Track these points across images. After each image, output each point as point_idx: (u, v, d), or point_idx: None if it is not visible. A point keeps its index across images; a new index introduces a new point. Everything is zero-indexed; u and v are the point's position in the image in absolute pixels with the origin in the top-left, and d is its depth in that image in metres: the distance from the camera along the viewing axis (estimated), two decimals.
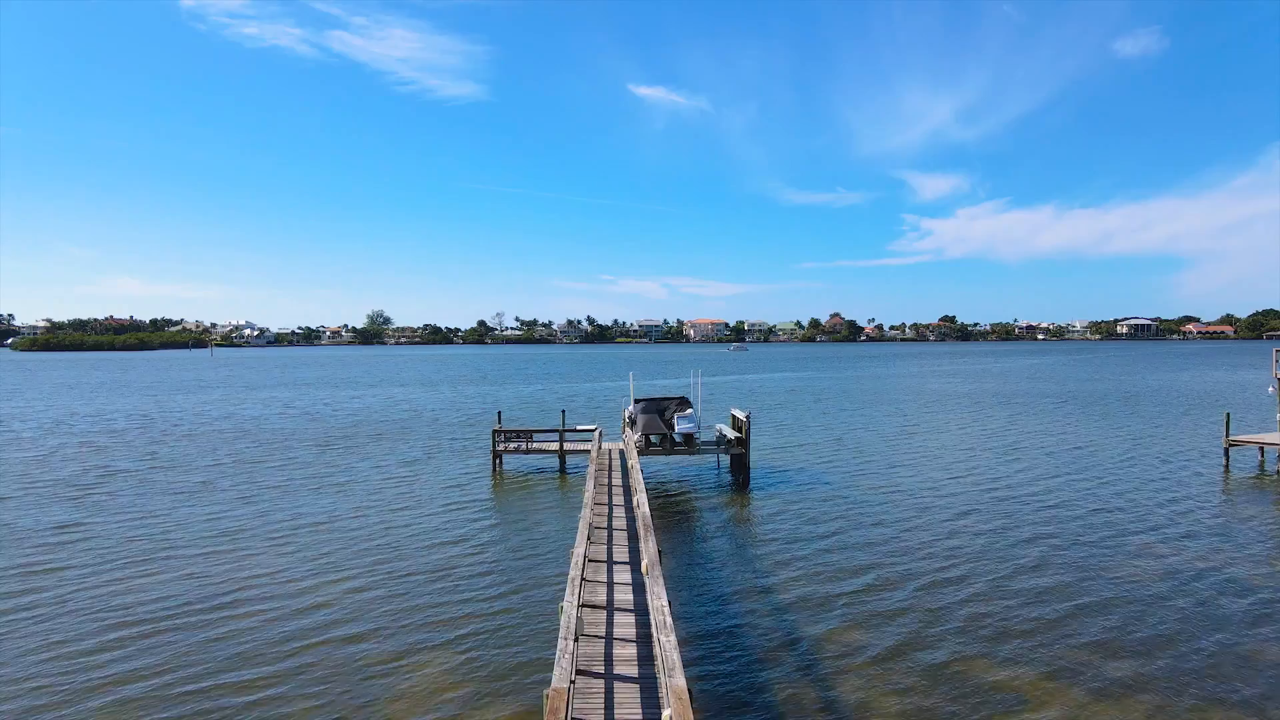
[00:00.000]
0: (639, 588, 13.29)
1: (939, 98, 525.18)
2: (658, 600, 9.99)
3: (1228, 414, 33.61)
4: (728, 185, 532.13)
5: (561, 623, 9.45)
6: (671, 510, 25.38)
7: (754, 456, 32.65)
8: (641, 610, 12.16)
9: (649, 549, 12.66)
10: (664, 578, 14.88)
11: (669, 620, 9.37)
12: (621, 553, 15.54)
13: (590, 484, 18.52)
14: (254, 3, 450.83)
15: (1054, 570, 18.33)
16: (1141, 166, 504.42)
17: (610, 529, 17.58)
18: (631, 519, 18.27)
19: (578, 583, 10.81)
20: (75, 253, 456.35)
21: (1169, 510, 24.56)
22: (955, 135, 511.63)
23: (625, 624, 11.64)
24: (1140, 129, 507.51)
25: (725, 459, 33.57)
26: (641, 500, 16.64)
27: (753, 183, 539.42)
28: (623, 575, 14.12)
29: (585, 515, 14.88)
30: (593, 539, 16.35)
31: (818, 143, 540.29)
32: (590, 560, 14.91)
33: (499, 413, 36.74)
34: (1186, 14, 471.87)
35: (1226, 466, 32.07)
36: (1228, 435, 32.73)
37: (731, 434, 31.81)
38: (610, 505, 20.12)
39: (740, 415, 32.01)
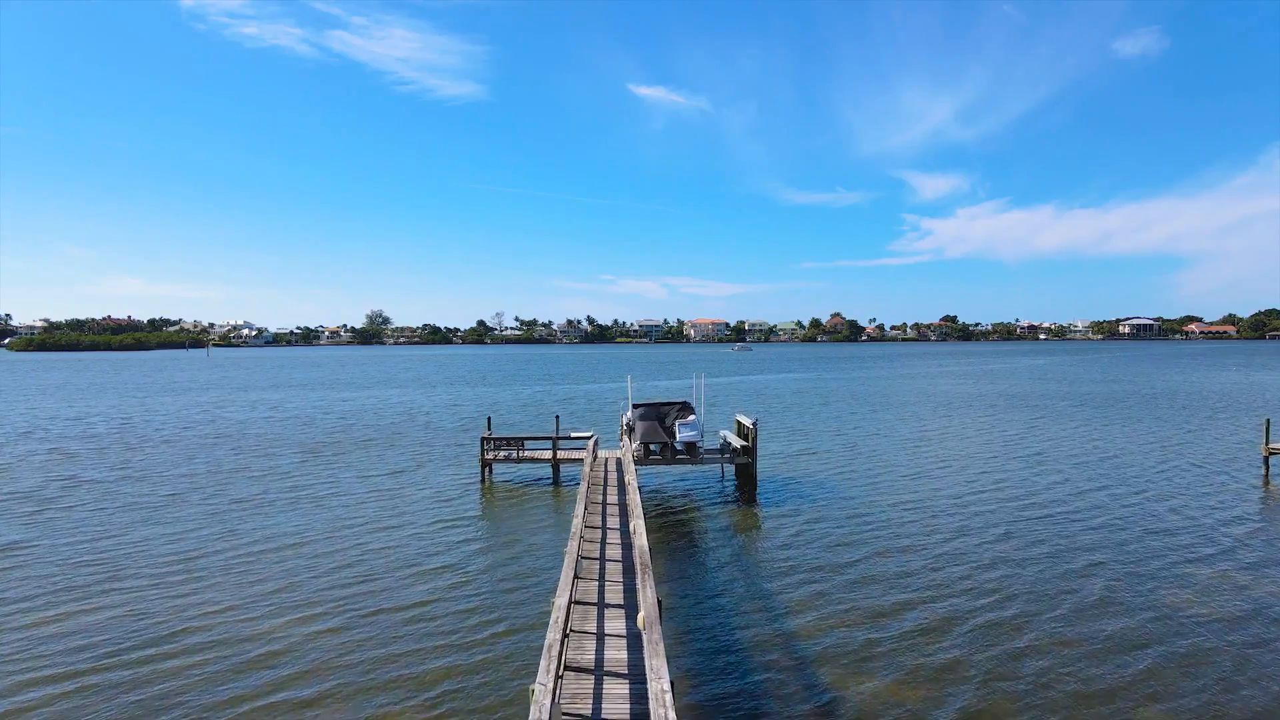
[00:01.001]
0: (635, 643, 11.19)
1: (939, 97, 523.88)
2: (658, 682, 7.88)
3: (1268, 420, 31.45)
4: (728, 185, 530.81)
5: (531, 715, 7.35)
6: (672, 531, 23.26)
7: (762, 465, 30.52)
8: (638, 676, 10.06)
9: (646, 597, 10.57)
10: (666, 630, 12.84)
11: (672, 713, 7.27)
12: (615, 593, 13.43)
13: (580, 506, 16.40)
14: (254, 2, 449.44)
15: (1123, 609, 15.97)
16: (1141, 166, 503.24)
17: (603, 559, 15.48)
18: (628, 547, 16.15)
19: (556, 652, 8.70)
20: (75, 253, 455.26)
21: (1232, 530, 22.25)
22: (955, 135, 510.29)
23: (618, 696, 9.55)
24: (1140, 129, 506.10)
25: (730, 468, 31.48)
26: (638, 526, 14.54)
27: (753, 182, 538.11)
28: (616, 624, 12.02)
29: (572, 549, 12.78)
30: (582, 574, 14.26)
31: (817, 143, 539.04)
32: (579, 602, 12.83)
33: (489, 418, 34.65)
34: (1186, 14, 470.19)
35: (1267, 477, 29.96)
36: (1267, 443, 30.61)
37: (737, 442, 29.68)
38: (604, 529, 18.01)
39: (747, 422, 29.89)
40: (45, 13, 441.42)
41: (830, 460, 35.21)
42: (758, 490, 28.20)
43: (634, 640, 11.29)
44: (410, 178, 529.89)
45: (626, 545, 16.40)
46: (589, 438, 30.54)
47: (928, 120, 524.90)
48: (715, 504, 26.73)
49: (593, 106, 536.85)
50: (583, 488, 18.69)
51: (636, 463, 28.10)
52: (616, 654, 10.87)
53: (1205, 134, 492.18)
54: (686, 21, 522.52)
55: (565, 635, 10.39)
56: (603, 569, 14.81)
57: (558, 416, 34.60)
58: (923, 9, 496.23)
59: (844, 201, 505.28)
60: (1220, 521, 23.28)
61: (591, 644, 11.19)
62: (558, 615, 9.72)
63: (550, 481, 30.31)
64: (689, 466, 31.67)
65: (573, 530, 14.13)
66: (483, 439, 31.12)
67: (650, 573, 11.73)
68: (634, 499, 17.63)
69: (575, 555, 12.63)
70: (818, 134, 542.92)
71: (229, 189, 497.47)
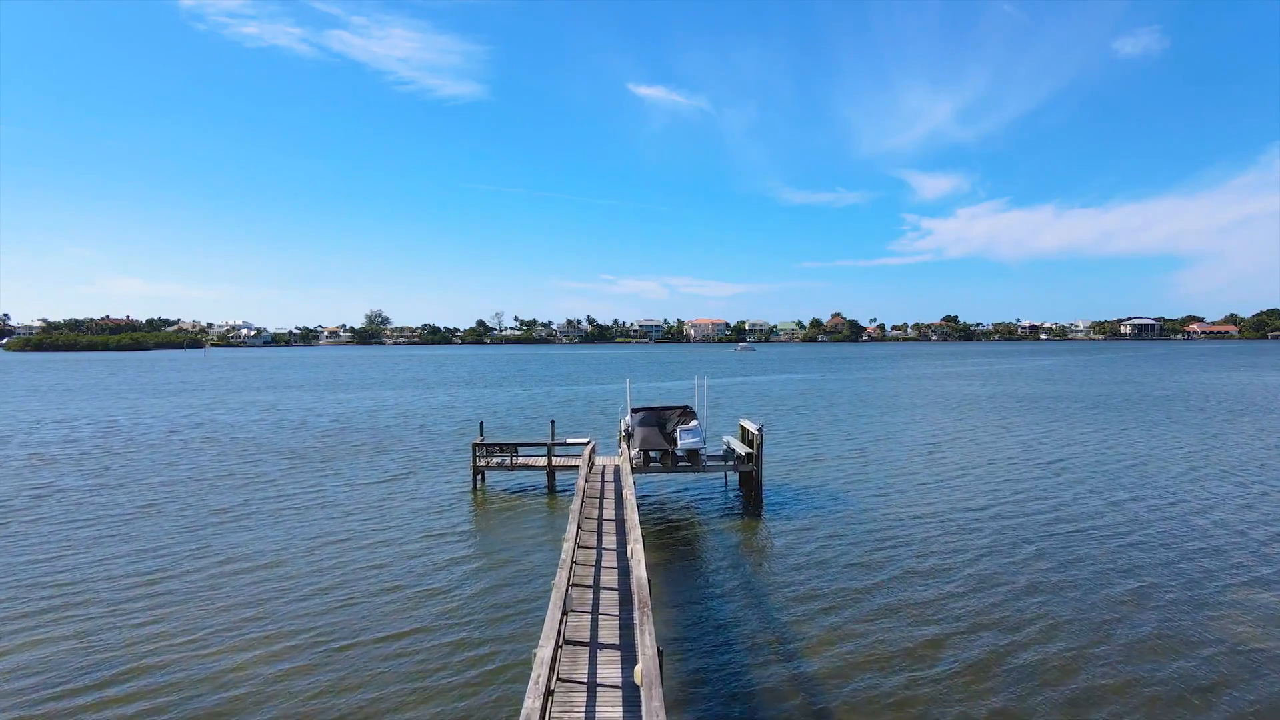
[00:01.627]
0: (633, 696, 9.65)
1: (939, 97, 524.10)
2: None
3: None
4: (728, 185, 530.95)
5: None
6: (674, 549, 21.67)
7: (767, 472, 28.98)
8: None
9: (645, 647, 9.04)
10: (668, 672, 11.33)
11: None
12: (610, 630, 11.87)
13: (573, 527, 14.84)
14: (253, 2, 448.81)
15: (1184, 643, 14.21)
16: (1141, 166, 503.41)
17: (597, 587, 13.93)
18: (625, 573, 14.58)
19: None
20: (75, 252, 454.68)
21: None
22: (955, 135, 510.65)
23: None
24: (1140, 128, 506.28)
25: (734, 476, 29.93)
26: (636, 551, 12.97)
27: (753, 182, 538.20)
28: (610, 670, 10.49)
29: (561, 582, 11.21)
30: (574, 607, 12.72)
31: (817, 142, 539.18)
32: (569, 642, 11.32)
33: (481, 423, 33.08)
34: (1186, 13, 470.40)
35: None
36: None
37: (742, 449, 28.06)
38: (599, 550, 16.46)
39: (751, 427, 28.29)
40: (45, 12, 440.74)
41: (840, 467, 33.64)
42: (764, 501, 26.65)
43: (631, 694, 9.75)
44: (410, 178, 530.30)
45: (624, 570, 14.85)
46: (585, 443, 29.05)
47: (928, 120, 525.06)
48: (719, 516, 25.16)
49: (593, 106, 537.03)
50: (576, 503, 17.12)
51: (635, 471, 26.59)
52: (610, 711, 9.34)
53: (1205, 133, 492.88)
54: (686, 21, 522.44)
55: (550, 692, 8.85)
56: (597, 600, 13.26)
57: (553, 421, 33.13)
58: (923, 8, 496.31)
59: (844, 201, 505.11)
60: (1271, 536, 21.69)
61: (582, 699, 9.65)
62: (539, 673, 8.17)
63: (545, 490, 28.78)
64: (691, 475, 30.17)
65: (562, 558, 12.58)
66: (474, 445, 29.60)
67: (650, 613, 10.18)
68: (632, 516, 16.09)
69: (564, 589, 11.08)
70: (818, 133, 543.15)
71: (229, 189, 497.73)
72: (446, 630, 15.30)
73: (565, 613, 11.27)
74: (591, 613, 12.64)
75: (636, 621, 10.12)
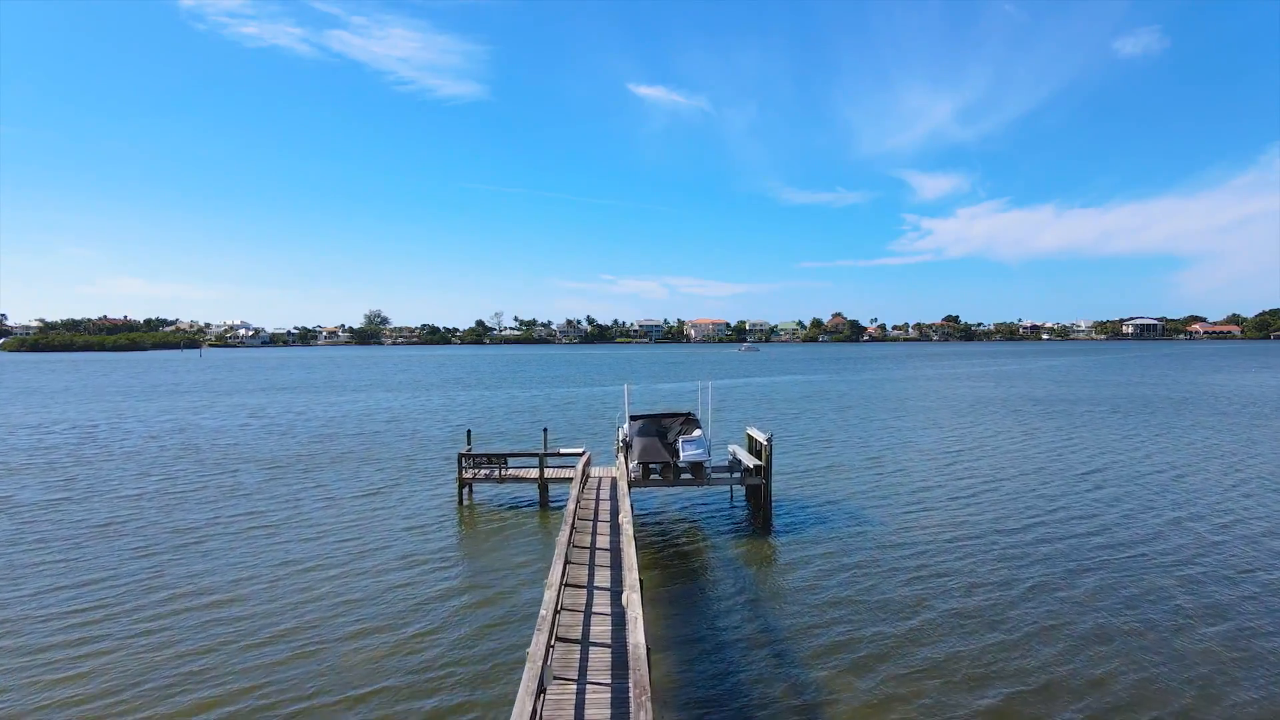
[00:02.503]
0: None
1: (939, 97, 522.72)
2: None
3: None
4: (728, 185, 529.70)
5: None
6: (676, 580, 19.37)
7: (776, 484, 26.71)
8: None
9: None
10: None
11: None
12: (599, 706, 9.61)
13: (557, 568, 12.53)
14: (253, 2, 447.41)
15: None
16: (1141, 166, 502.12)
17: (586, 642, 11.67)
18: (619, 625, 12.28)
19: None
20: (75, 253, 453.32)
21: None
22: (955, 135, 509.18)
23: None
24: (1140, 128, 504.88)
25: (740, 488, 27.67)
26: (633, 600, 10.77)
27: (753, 182, 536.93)
28: None
29: (537, 649, 8.99)
30: (556, 672, 10.47)
31: (818, 142, 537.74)
32: None
33: (468, 431, 30.83)
34: (1186, 13, 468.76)
35: None
36: None
37: (750, 460, 25.80)
38: (590, 589, 14.18)
39: (760, 437, 26.05)
40: (45, 13, 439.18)
41: (856, 479, 31.31)
42: (775, 518, 24.38)
43: None
44: (410, 178, 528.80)
45: (618, 618, 12.57)
46: (580, 454, 26.83)
47: (928, 120, 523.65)
48: (728, 538, 22.86)
49: (593, 106, 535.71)
50: (564, 534, 14.81)
51: (634, 486, 24.38)
52: None
53: (1205, 133, 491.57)
54: (686, 21, 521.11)
55: None
56: (585, 661, 10.98)
57: (545, 429, 30.87)
58: (923, 8, 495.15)
59: (844, 201, 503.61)
60: None
61: None
62: None
63: (537, 504, 26.56)
64: (695, 490, 27.94)
65: (542, 613, 10.28)
66: (460, 456, 27.36)
67: (648, 700, 7.91)
68: (629, 550, 13.89)
69: (540, 661, 8.82)
70: (818, 133, 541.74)
71: (229, 189, 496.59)
72: (418, 693, 13.00)
73: (542, 691, 9.02)
74: (578, 680, 10.39)
75: (632, 708, 7.89)
